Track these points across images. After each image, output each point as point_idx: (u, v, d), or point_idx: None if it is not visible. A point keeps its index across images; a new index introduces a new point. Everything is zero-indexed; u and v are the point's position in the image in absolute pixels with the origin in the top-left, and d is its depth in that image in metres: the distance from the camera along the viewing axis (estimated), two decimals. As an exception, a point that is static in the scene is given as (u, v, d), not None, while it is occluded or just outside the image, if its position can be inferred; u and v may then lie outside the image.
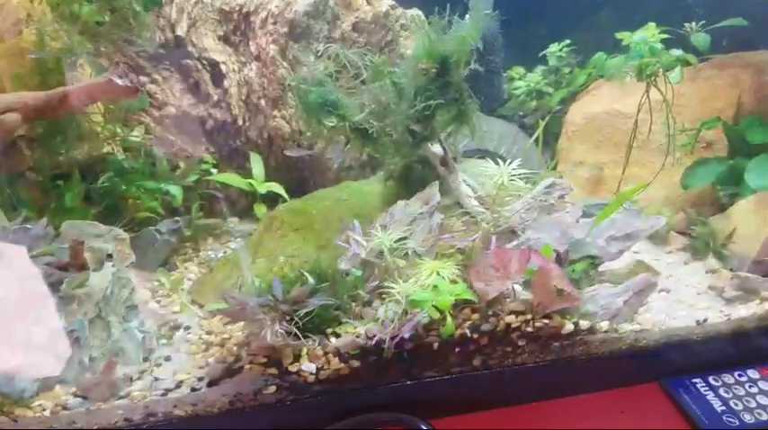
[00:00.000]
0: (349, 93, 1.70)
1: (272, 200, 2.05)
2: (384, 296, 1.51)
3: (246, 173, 2.03)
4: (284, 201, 2.03)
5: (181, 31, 1.91)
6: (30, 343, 1.28)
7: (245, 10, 1.97)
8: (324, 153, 2.04)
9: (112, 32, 1.61)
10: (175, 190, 1.82)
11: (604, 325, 1.54)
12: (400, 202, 1.67)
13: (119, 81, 1.45)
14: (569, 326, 1.49)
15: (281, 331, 1.38)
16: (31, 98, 1.44)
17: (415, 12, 2.07)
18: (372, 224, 1.63)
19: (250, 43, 1.99)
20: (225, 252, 1.93)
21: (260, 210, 1.99)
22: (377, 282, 1.51)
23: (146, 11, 1.64)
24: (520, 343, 1.50)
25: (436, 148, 1.73)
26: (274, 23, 1.94)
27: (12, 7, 1.59)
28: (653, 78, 1.94)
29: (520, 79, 2.41)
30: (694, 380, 1.60)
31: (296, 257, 1.69)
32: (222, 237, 2.01)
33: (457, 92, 1.60)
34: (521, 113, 2.39)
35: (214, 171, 1.96)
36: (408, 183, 1.78)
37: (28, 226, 1.40)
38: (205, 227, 1.95)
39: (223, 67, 1.96)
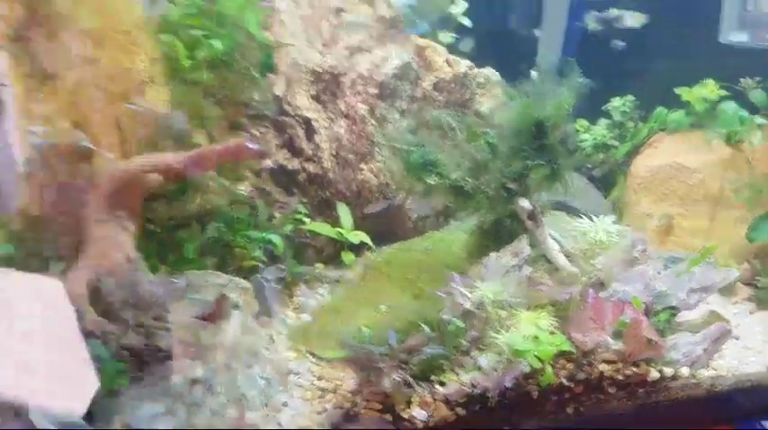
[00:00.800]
0: (438, 150, 1.83)
1: (358, 247, 2.20)
2: (483, 346, 1.63)
3: (333, 222, 2.16)
4: (369, 248, 2.17)
5: (279, 91, 2.06)
6: (61, 379, 1.26)
7: (335, 72, 2.11)
8: (404, 204, 2.17)
9: (231, 96, 1.75)
10: (277, 239, 1.95)
11: (685, 371, 1.66)
12: (492, 255, 1.79)
13: (251, 145, 1.57)
14: (655, 374, 1.62)
15: (398, 378, 1.50)
16: (171, 159, 1.58)
17: (490, 70, 2.22)
18: (467, 275, 1.76)
19: (338, 102, 2.13)
20: (316, 298, 2.05)
21: (348, 257, 2.12)
22: (477, 332, 1.63)
23: (262, 75, 1.79)
24: (610, 390, 1.61)
25: (525, 203, 1.85)
26: (364, 84, 2.08)
27: (137, 70, 1.73)
28: (739, 142, 2.07)
29: (585, 132, 2.54)
30: (765, 424, 1.71)
31: (394, 307, 1.81)
32: (312, 283, 2.12)
33: (551, 153, 1.73)
34: (588, 165, 2.52)
35: (307, 220, 2.09)
36: (496, 235, 1.90)
37: (173, 279, 1.52)
38: (298, 273, 2.07)
39: (315, 124, 2.11)
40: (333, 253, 2.20)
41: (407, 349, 1.53)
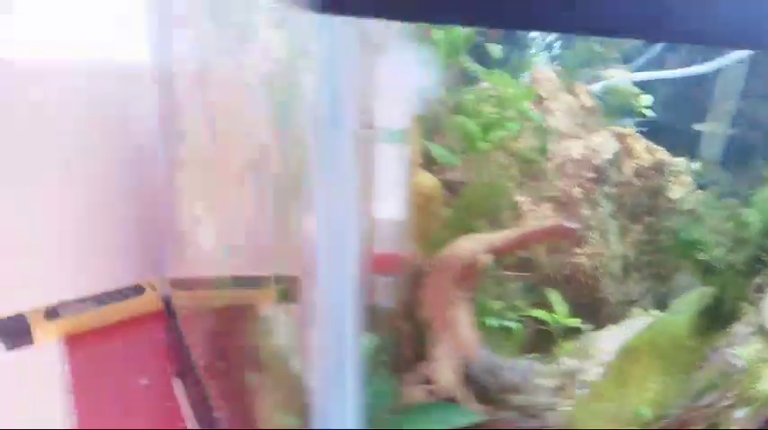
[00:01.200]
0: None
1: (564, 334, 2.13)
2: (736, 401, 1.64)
3: (538, 307, 2.10)
4: (579, 334, 2.12)
5: (495, 174, 2.05)
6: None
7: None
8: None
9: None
10: (517, 325, 1.88)
11: None
12: (735, 325, 1.84)
13: (570, 225, 1.55)
14: None
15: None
16: (499, 240, 1.56)
17: (681, 160, 2.30)
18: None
19: (543, 185, 2.13)
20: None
21: (567, 347, 2.06)
22: (734, 390, 1.66)
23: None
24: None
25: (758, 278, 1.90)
26: (577, 169, 2.10)
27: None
28: None
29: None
30: None
31: (654, 383, 1.80)
32: (524, 371, 2.04)
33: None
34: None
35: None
36: (727, 312, 1.93)
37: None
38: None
39: (522, 208, 2.09)
40: (536, 340, 2.13)
41: (707, 406, 1.57)
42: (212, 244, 1.85)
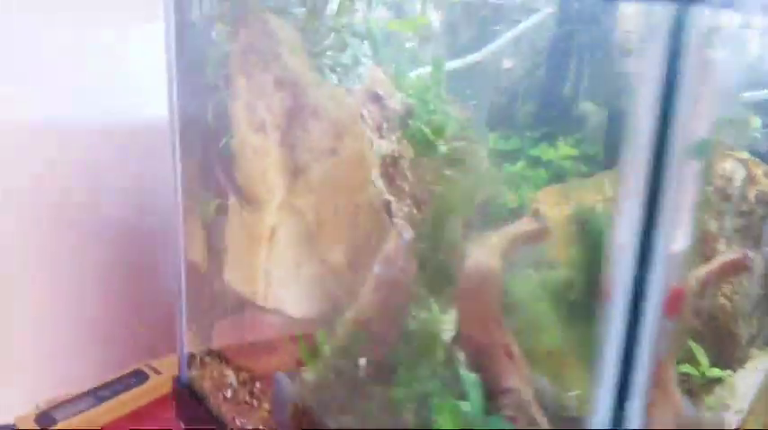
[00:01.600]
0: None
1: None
2: None
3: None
4: (720, 383, 1.90)
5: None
6: None
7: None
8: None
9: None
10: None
11: None
12: None
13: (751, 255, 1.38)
14: None
15: None
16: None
17: (797, 181, 2.13)
18: None
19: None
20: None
21: (708, 402, 1.83)
22: None
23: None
24: None
25: None
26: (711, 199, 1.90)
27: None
28: None
29: None
30: None
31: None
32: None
33: None
34: None
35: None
36: None
37: None
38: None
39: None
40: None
41: None
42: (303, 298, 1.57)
